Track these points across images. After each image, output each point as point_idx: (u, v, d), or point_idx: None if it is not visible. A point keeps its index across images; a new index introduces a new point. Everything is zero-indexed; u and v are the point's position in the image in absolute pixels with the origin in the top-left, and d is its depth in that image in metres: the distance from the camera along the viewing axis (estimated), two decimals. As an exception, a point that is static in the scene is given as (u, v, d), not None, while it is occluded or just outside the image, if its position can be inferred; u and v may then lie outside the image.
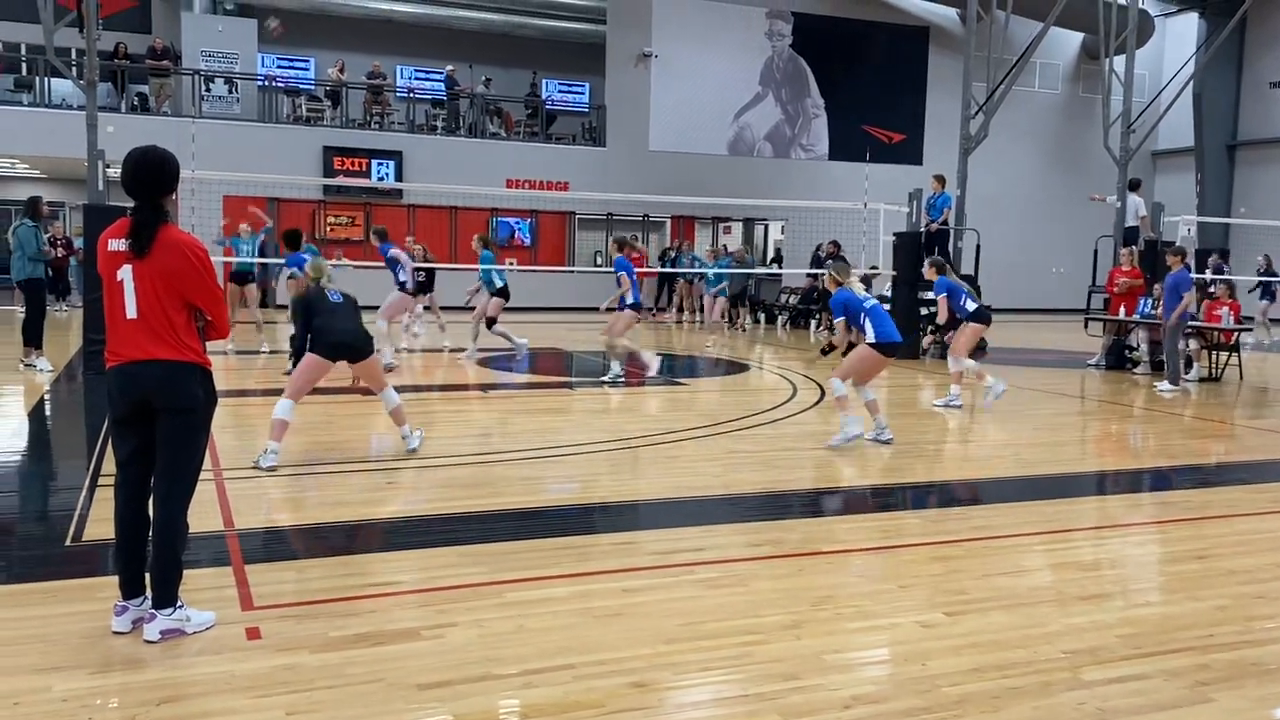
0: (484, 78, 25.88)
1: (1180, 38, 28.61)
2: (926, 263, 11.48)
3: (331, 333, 7.07)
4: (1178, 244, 13.80)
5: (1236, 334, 13.63)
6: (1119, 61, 18.73)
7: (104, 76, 19.94)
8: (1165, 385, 12.20)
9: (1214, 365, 13.76)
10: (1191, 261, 15.02)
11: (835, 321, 8.45)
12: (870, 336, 8.19)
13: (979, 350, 12.65)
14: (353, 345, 7.22)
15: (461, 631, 4.03)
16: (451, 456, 7.46)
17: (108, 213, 10.42)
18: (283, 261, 13.51)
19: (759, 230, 27.46)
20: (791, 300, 21.78)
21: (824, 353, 9.04)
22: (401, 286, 12.47)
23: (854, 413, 8.17)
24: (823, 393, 11.41)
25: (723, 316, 20.03)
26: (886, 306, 10.35)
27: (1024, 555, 5.41)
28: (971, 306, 10.42)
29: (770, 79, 26.90)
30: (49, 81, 21.86)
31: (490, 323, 12.97)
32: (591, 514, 6.21)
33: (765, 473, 7.27)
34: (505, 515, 5.93)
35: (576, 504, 6.43)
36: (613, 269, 11.56)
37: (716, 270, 18.99)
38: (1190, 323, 13.08)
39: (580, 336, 17.17)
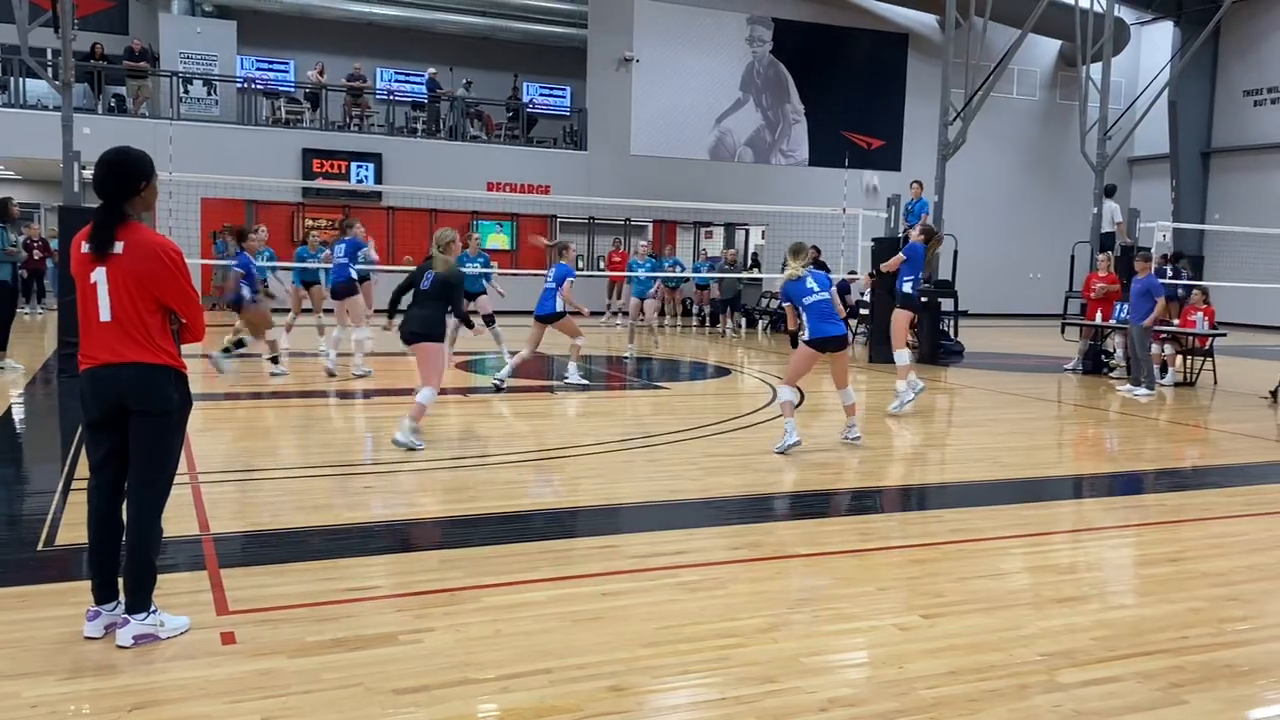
0: (465, 80, 25.83)
1: (1156, 46, 28.91)
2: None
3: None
4: (1149, 249, 13.92)
5: (1211, 339, 13.76)
6: (1095, 69, 18.88)
7: (80, 77, 19.77)
8: (1141, 390, 12.28)
9: (1189, 370, 13.89)
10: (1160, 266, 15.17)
11: (784, 306, 8.53)
12: (805, 333, 8.19)
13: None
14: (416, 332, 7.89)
15: (439, 636, 4.02)
16: (430, 460, 7.43)
17: (83, 214, 10.32)
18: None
19: (740, 235, 27.53)
20: (772, 304, 21.83)
21: (794, 344, 8.91)
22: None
23: (793, 417, 8.13)
24: (802, 397, 11.44)
25: (656, 313, 18.63)
26: (850, 311, 10.37)
27: (1001, 558, 5.44)
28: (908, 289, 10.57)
29: (751, 84, 26.99)
30: (24, 82, 21.67)
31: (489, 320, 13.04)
32: (571, 518, 6.20)
33: (744, 476, 7.28)
34: (484, 519, 5.91)
35: (556, 508, 6.42)
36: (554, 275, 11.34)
37: (646, 272, 16.87)
38: (1163, 328, 13.21)
39: (560, 340, 17.14)
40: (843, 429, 8.53)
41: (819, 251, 20.34)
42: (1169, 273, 18.04)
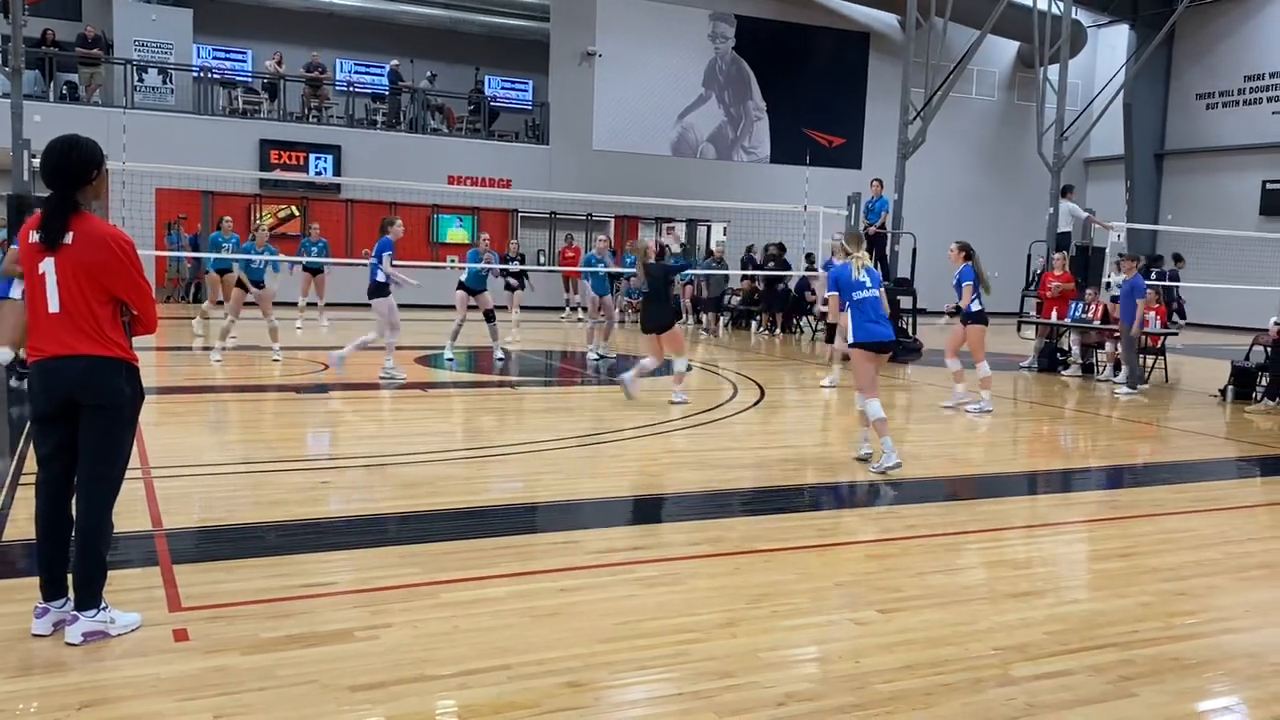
0: (429, 73, 25.63)
1: (1112, 49, 29.33)
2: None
3: None
4: (1123, 250, 14.12)
5: (1163, 337, 14.00)
6: (1053, 70, 19.15)
7: (31, 64, 19.35)
8: (1124, 389, 12.42)
9: (1140, 368, 14.12)
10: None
11: (828, 295, 7.89)
12: (850, 335, 7.55)
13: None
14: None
15: (396, 632, 3.99)
16: (389, 456, 7.37)
17: (32, 204, 10.12)
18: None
19: (701, 231, 27.58)
20: (733, 301, 21.90)
21: (829, 339, 8.56)
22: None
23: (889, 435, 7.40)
24: (762, 393, 11.49)
25: (618, 310, 18.41)
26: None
27: (957, 554, 5.50)
28: (975, 307, 10.52)
29: (713, 81, 27.03)
30: (-28, 68, 21.18)
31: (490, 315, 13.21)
32: (531, 513, 6.18)
33: (704, 472, 7.30)
34: (443, 515, 5.87)
35: (516, 503, 6.40)
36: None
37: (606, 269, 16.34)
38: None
39: (525, 336, 17.10)
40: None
41: (782, 249, 20.57)
42: (1163, 274, 18.65)
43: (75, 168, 3.81)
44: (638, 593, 4.59)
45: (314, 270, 17.10)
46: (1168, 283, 20.05)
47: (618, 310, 18.08)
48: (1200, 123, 28.50)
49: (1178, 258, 21.40)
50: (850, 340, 7.55)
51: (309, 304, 17.31)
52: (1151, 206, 29.04)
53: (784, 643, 4.10)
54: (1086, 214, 16.92)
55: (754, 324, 21.35)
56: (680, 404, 10.03)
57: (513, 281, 18.77)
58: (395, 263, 11.05)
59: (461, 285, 13.14)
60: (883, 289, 7.61)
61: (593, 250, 17.47)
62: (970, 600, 4.65)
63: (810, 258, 19.53)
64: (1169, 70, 29.04)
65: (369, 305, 11.18)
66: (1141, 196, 28.82)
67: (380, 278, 10.93)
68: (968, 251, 10.60)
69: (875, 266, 7.91)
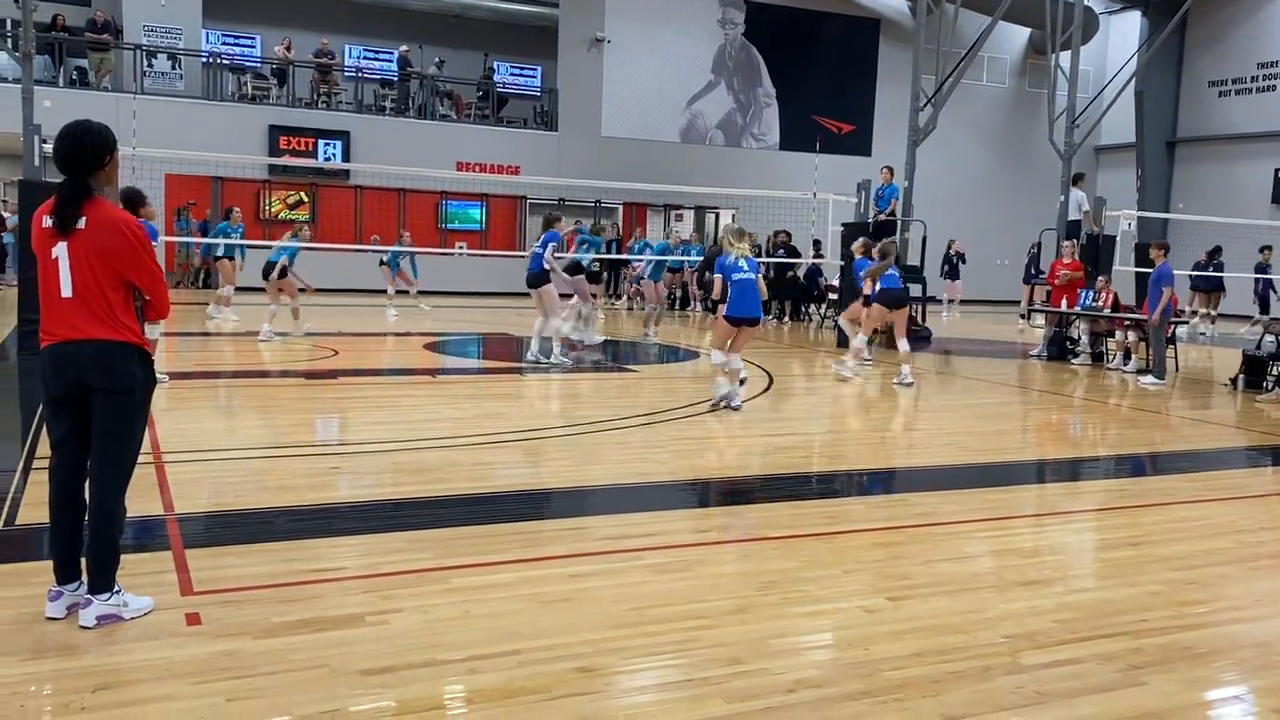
0: (437, 59, 25.59)
1: (1124, 36, 29.14)
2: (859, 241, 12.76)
3: None
4: (1134, 239, 14.02)
5: (1173, 326, 13.94)
6: (1064, 57, 19.02)
7: (41, 49, 19.38)
8: (1150, 378, 12.35)
9: (1149, 356, 14.06)
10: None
11: (714, 278, 9.61)
12: (725, 307, 9.13)
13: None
14: None
15: (406, 617, 4.00)
16: (399, 441, 7.39)
17: (43, 189, 10.14)
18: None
19: (710, 218, 27.54)
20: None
21: (712, 310, 10.00)
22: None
23: (720, 376, 9.24)
24: (771, 380, 11.51)
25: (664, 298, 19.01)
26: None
27: (966, 541, 5.50)
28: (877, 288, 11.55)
29: (723, 67, 26.94)
30: (-17, 53, 21.20)
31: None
32: (540, 499, 6.20)
33: (713, 459, 7.30)
34: (453, 500, 5.89)
35: (525, 489, 6.41)
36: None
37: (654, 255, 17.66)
38: (1127, 315, 13.35)
39: (529, 322, 17.09)
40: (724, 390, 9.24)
41: (790, 236, 20.51)
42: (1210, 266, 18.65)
43: (89, 153, 3.81)
44: (647, 579, 4.60)
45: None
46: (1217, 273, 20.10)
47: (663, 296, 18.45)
48: (1212, 110, 28.32)
49: (1217, 250, 21.26)
50: (725, 314, 9.12)
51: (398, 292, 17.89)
52: (1163, 195, 28.88)
53: (793, 629, 4.11)
54: (1085, 212, 16.80)
55: (818, 316, 21.26)
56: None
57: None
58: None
59: (579, 269, 13.44)
60: (760, 275, 9.23)
61: (668, 239, 17.95)
62: (979, 588, 4.65)
63: (818, 245, 19.48)
64: (1181, 57, 28.84)
65: (530, 293, 11.90)
66: (1153, 184, 28.65)
67: (545, 266, 11.69)
68: (867, 246, 12.22)
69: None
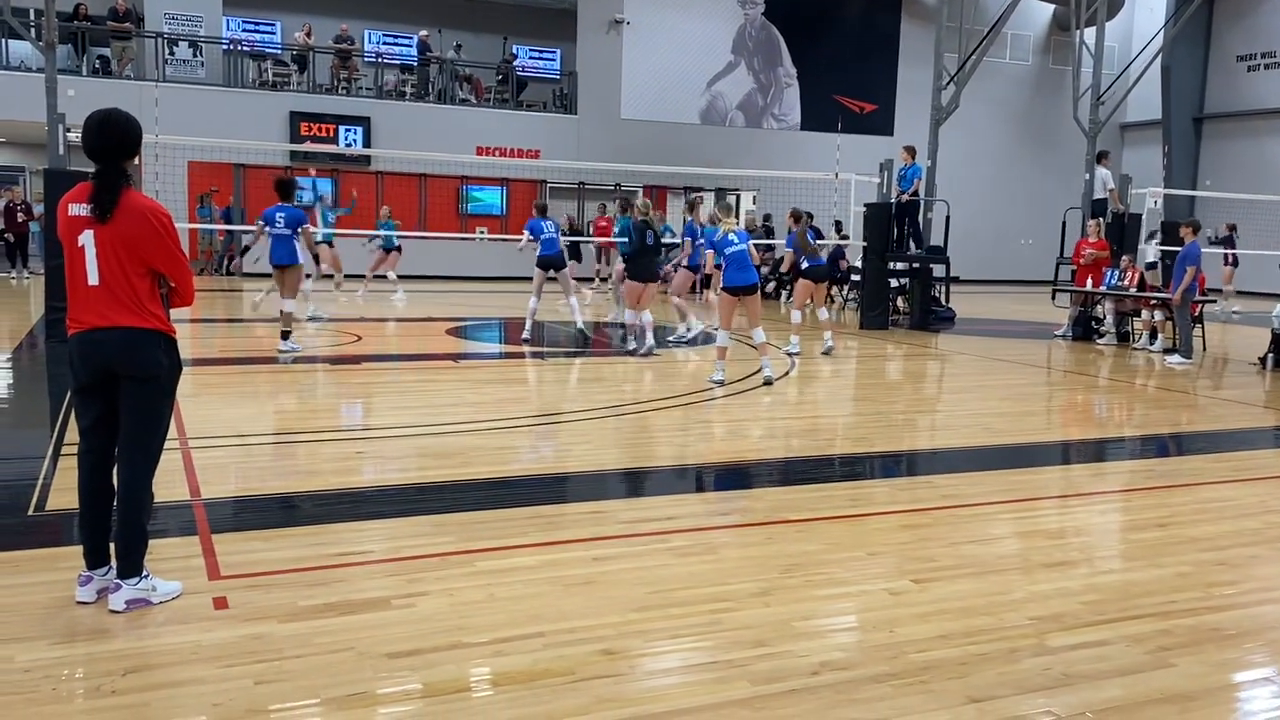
0: (455, 43, 25.54)
1: (1150, 11, 28.70)
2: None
3: None
4: (1160, 217, 13.86)
5: (1201, 305, 13.78)
6: (1089, 33, 18.77)
7: (64, 38, 19.48)
8: (1176, 358, 12.23)
9: (1176, 336, 13.92)
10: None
11: (707, 252, 9.89)
12: (722, 280, 9.51)
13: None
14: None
15: (431, 600, 4.02)
16: (421, 426, 7.42)
17: (68, 177, 10.21)
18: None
19: (730, 200, 27.38)
20: (763, 271, 21.74)
21: (705, 286, 10.45)
22: None
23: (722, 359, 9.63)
24: (793, 363, 11.47)
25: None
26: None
27: (991, 523, 5.47)
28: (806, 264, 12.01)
29: (743, 47, 26.74)
30: (7, 43, 21.30)
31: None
32: (562, 483, 6.21)
33: (734, 442, 7.29)
34: (475, 485, 5.91)
35: (547, 473, 6.43)
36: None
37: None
38: (1154, 295, 13.19)
39: (550, 306, 17.10)
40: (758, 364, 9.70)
41: (812, 217, 20.35)
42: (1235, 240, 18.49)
43: (130, 143, 3.87)
44: (670, 562, 4.60)
45: (388, 248, 18.14)
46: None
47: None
48: (1241, 85, 27.88)
49: (1233, 227, 21.04)
50: (723, 286, 9.46)
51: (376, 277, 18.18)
52: (1189, 171, 28.50)
53: (817, 612, 4.10)
54: (1110, 190, 16.60)
55: (782, 294, 21.21)
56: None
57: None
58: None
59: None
60: (749, 244, 9.53)
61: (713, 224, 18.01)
62: (1005, 570, 4.63)
63: (840, 226, 19.35)
64: (1209, 31, 28.40)
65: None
66: (1179, 161, 28.29)
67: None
68: (796, 217, 12.29)
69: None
